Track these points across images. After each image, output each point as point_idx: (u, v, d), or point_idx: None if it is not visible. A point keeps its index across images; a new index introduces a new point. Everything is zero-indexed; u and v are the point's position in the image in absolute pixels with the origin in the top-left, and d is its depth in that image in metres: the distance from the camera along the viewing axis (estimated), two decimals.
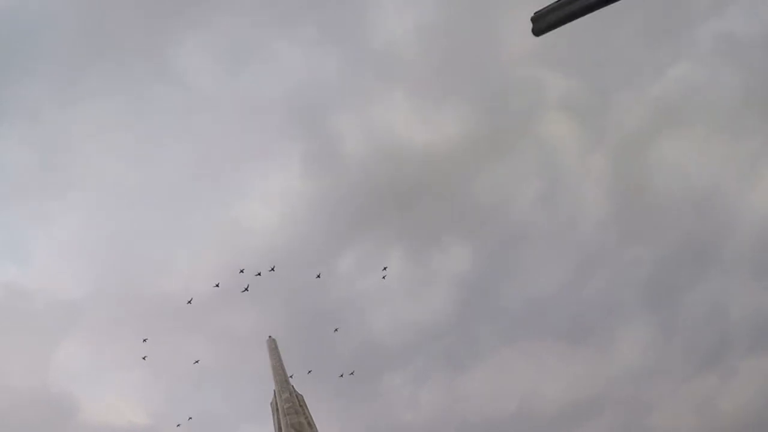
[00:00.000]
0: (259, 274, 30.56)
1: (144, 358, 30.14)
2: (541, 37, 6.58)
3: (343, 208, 45.75)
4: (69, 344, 39.71)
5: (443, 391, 47.26)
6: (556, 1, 6.61)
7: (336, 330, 32.01)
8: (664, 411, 44.77)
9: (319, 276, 32.18)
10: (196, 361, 30.03)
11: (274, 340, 25.97)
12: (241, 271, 30.48)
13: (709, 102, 44.90)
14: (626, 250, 49.20)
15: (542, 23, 6.71)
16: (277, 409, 24.77)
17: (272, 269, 30.52)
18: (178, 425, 29.79)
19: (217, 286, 30.23)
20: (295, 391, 25.08)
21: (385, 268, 36.34)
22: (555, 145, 47.70)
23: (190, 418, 30.16)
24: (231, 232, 41.73)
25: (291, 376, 27.18)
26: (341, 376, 31.17)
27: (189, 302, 29.89)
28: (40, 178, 47.26)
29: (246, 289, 30.62)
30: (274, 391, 25.28)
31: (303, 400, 24.67)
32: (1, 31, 43.69)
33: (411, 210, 47.13)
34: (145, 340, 29.95)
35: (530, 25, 6.80)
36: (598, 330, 47.52)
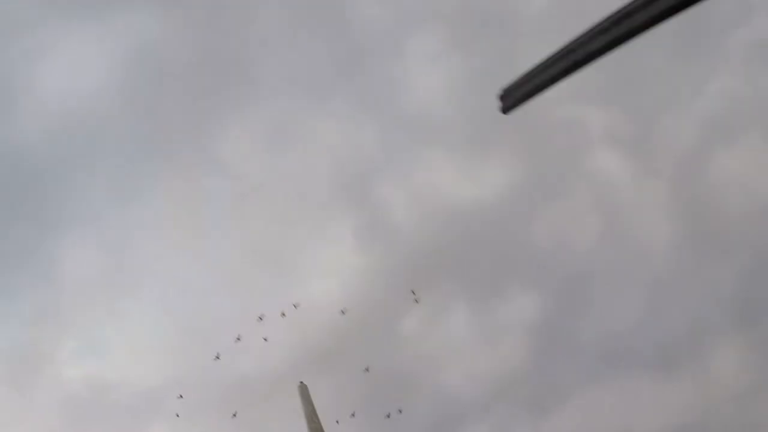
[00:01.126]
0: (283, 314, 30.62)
1: (177, 415, 30.40)
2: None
3: (400, 275, 45.48)
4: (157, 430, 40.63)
5: None
6: (522, 75, 6.29)
7: (367, 370, 31.03)
8: None
9: (343, 312, 31.65)
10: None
11: (305, 386, 24.80)
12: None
13: (753, 110, 43.04)
14: (702, 270, 46.62)
15: (509, 100, 6.38)
16: None
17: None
18: None
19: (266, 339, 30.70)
20: None
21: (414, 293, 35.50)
22: (607, 179, 46.41)
23: None
24: (295, 314, 42.03)
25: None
26: (388, 416, 29.91)
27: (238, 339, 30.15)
28: (110, 277, 49.39)
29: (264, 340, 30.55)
30: None
31: None
32: (59, 139, 46.64)
33: (469, 266, 46.54)
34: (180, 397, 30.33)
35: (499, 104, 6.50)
36: (688, 356, 44.82)
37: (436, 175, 48.24)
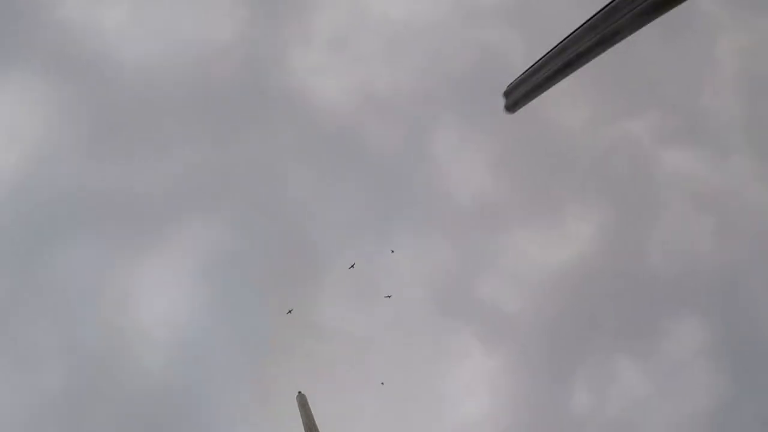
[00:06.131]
0: None
1: None
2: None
3: (541, 360, 45.38)
4: None
5: None
6: (524, 72, 6.27)
7: None
8: None
9: None
10: None
11: (303, 395, 24.74)
12: None
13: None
14: None
15: (514, 98, 6.37)
16: None
17: None
18: None
19: None
20: None
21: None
22: (689, 175, 43.95)
23: None
24: None
25: None
26: None
27: None
28: None
29: None
30: None
31: None
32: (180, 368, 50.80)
33: (607, 320, 45.24)
34: None
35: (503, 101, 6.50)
36: None
37: (525, 253, 47.51)
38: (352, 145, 50.29)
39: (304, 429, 21.78)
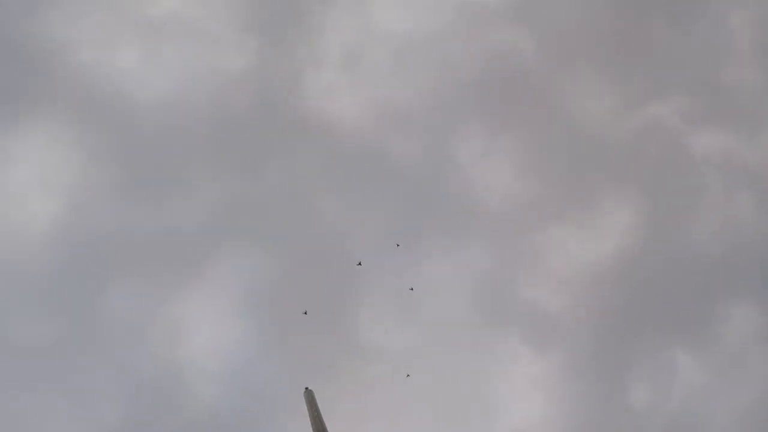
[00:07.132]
0: None
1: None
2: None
3: (594, 356, 44.26)
4: None
5: None
6: None
7: None
8: None
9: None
10: None
11: (311, 391, 23.79)
12: None
13: None
14: None
15: None
16: None
17: None
18: None
19: None
20: None
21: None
22: (726, 152, 43.02)
23: None
24: None
25: None
26: None
27: None
28: None
29: None
30: None
31: None
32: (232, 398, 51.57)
33: (658, 311, 43.84)
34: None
35: None
36: None
37: (565, 249, 46.11)
38: (377, 161, 49.85)
39: (312, 425, 20.78)
